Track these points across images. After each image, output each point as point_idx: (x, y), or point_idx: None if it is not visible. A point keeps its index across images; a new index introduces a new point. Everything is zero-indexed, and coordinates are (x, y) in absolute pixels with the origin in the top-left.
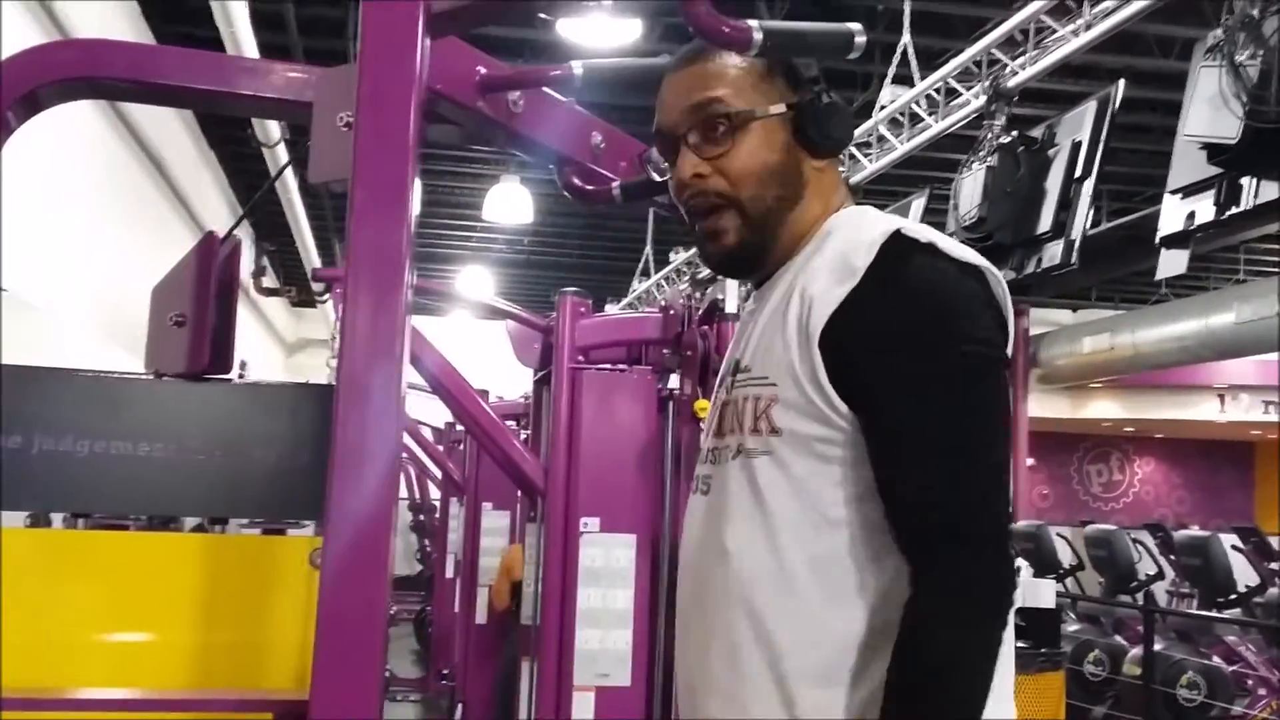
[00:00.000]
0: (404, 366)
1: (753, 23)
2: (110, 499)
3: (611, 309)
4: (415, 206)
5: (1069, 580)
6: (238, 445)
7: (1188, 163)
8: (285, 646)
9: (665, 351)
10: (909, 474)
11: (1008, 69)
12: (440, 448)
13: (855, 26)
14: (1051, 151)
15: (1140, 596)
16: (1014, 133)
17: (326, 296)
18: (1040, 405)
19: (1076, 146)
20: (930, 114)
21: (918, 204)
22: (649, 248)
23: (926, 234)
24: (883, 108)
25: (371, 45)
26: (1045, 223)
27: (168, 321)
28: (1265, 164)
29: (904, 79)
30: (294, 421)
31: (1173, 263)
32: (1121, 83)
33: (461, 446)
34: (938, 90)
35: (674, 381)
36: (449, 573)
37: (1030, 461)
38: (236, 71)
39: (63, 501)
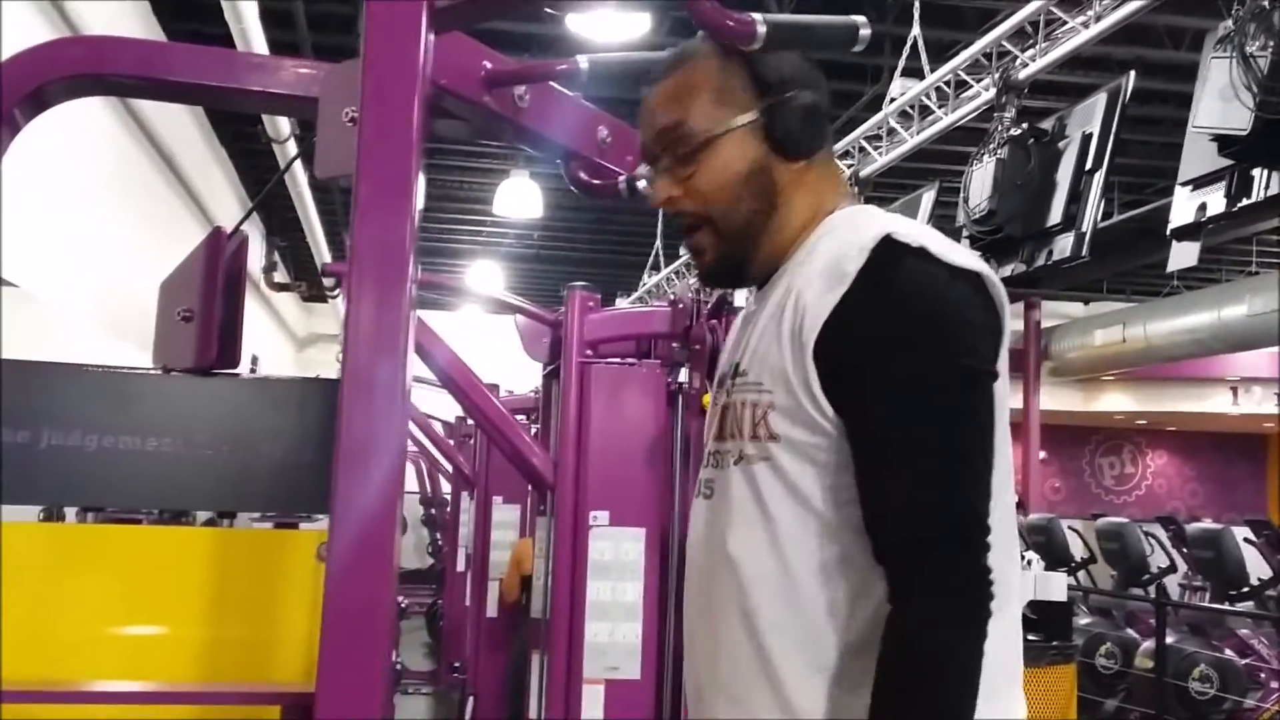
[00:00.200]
0: (408, 361)
1: (757, 16)
2: (118, 493)
3: (621, 303)
4: (419, 201)
5: (1081, 573)
6: (245, 439)
7: (1199, 154)
8: (294, 640)
9: (674, 345)
10: (895, 477)
11: (1018, 61)
12: (451, 442)
13: (861, 19)
14: (1062, 144)
15: (1152, 589)
16: (1024, 125)
17: (337, 291)
18: (1052, 398)
19: (1087, 138)
20: (940, 106)
21: (927, 197)
22: (659, 242)
23: (919, 237)
24: (892, 100)
25: (375, 41)
26: (1056, 215)
27: (175, 316)
28: (1276, 155)
29: (914, 71)
30: (301, 416)
31: (1184, 255)
32: (1132, 74)
33: (472, 441)
34: (948, 83)
35: (683, 375)
36: (460, 566)
37: (1042, 454)
38: (243, 67)
39: (71, 496)
